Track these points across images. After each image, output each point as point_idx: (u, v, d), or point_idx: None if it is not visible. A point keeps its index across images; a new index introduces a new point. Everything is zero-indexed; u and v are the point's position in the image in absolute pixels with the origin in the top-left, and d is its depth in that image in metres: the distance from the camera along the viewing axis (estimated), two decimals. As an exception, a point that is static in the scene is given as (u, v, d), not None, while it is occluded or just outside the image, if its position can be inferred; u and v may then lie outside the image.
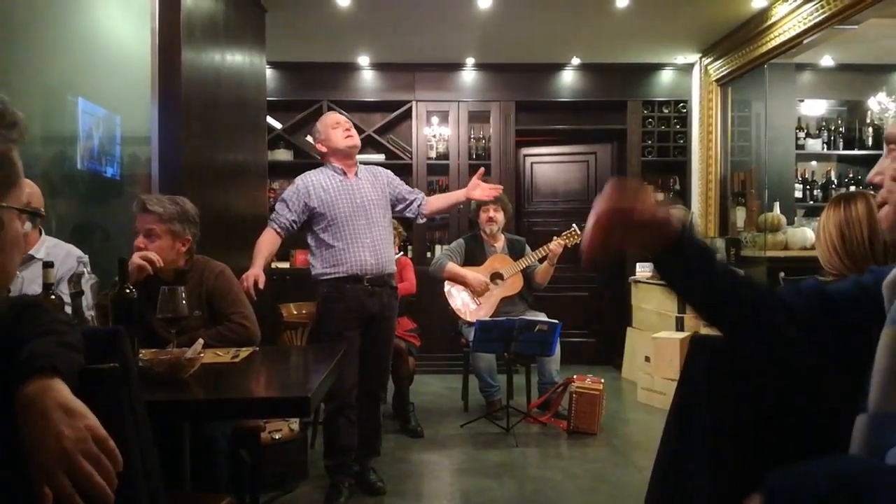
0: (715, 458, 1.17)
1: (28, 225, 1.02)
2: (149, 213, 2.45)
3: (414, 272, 4.61)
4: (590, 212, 1.15)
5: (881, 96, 5.38)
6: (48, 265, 1.81)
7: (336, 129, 3.30)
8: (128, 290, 1.89)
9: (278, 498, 3.19)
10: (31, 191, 2.24)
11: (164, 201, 2.49)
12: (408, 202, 3.46)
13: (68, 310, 2.02)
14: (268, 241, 3.24)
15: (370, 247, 3.23)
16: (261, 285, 3.10)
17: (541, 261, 4.64)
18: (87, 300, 2.08)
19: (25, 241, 1.03)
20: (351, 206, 3.24)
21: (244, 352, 2.26)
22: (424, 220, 3.59)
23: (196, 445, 2.06)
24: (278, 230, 3.26)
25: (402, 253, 4.62)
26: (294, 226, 3.27)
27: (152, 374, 1.82)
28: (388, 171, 3.52)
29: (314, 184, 3.27)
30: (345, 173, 3.30)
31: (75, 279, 2.05)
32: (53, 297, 1.86)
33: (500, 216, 4.74)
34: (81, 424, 0.95)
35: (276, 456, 3.25)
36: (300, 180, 3.32)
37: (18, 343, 1.01)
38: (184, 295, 2.07)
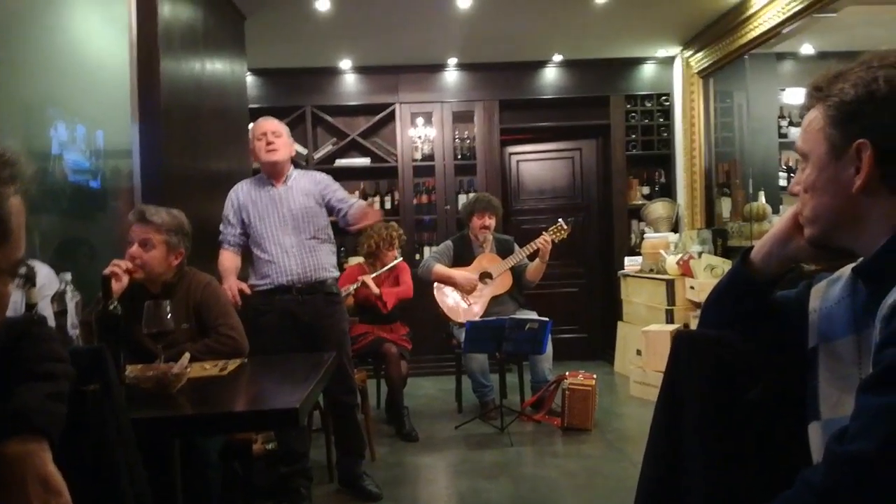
0: (704, 451, 1.18)
1: (17, 282, 0.97)
2: (146, 223, 2.45)
3: (411, 276, 4.59)
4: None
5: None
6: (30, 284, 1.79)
7: (260, 140, 3.23)
8: (111, 307, 1.88)
9: (273, 508, 3.17)
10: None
11: (161, 212, 2.50)
12: (336, 210, 3.30)
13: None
14: (227, 260, 3.23)
15: (296, 256, 3.18)
16: (246, 291, 3.11)
17: (530, 258, 4.65)
18: (72, 318, 2.07)
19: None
20: (277, 216, 3.20)
21: (232, 364, 2.25)
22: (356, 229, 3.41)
23: (187, 459, 2.05)
24: (229, 248, 3.24)
25: (400, 257, 4.59)
26: (242, 239, 3.25)
27: (140, 391, 1.81)
28: (327, 178, 3.39)
29: (243, 194, 3.26)
30: (272, 183, 3.26)
31: (58, 297, 2.04)
32: (36, 316, 1.85)
33: (493, 222, 4.75)
34: (54, 503, 0.93)
35: (269, 467, 3.23)
36: (232, 192, 3.30)
37: (8, 379, 0.99)
38: (169, 308, 2.06)
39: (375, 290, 4.29)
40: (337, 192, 3.34)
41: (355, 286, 4.30)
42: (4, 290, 0.93)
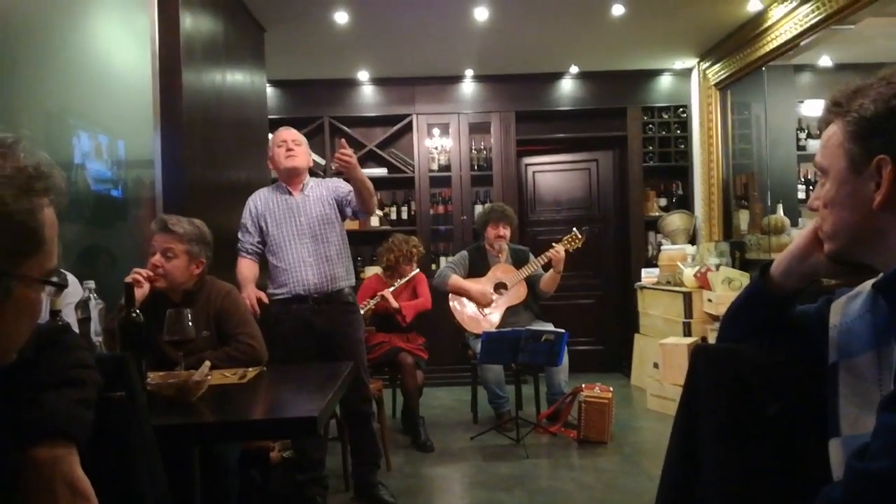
0: (722, 466, 1.17)
1: (50, 290, 0.99)
2: (169, 233, 2.48)
3: (429, 287, 4.61)
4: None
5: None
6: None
7: (280, 147, 3.28)
8: (134, 314, 1.90)
9: (290, 516, 3.18)
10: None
11: (183, 222, 2.53)
12: (347, 202, 3.29)
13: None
14: (246, 268, 3.25)
15: (313, 265, 3.20)
16: (265, 300, 3.13)
17: (545, 268, 4.64)
18: (95, 325, 2.10)
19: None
20: (295, 225, 3.23)
21: (252, 372, 2.28)
22: (365, 216, 3.41)
23: (205, 466, 2.07)
24: (248, 256, 3.27)
25: (418, 269, 4.61)
26: (260, 247, 3.28)
27: (160, 398, 1.83)
28: (336, 179, 3.43)
29: (262, 202, 3.29)
30: (290, 192, 3.29)
31: (82, 304, 2.07)
32: (61, 322, 1.87)
33: (508, 232, 4.75)
34: None
35: (286, 475, 3.25)
36: (250, 201, 3.33)
37: (37, 385, 1.01)
38: (190, 316, 2.09)
39: (395, 304, 4.31)
40: (343, 186, 3.35)
41: (375, 300, 4.32)
42: (37, 298, 0.95)
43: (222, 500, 2.16)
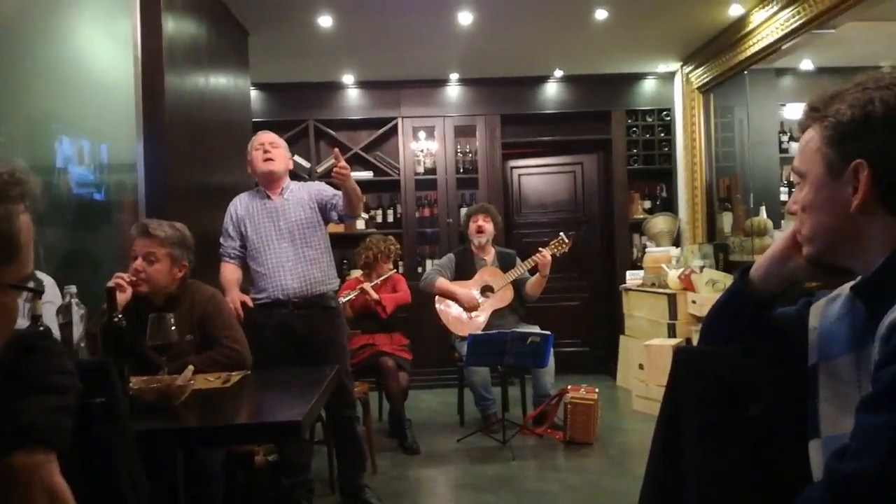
0: (703, 467, 1.18)
1: (26, 296, 0.99)
2: (150, 237, 2.47)
3: (407, 284, 4.63)
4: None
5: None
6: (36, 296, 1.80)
7: (258, 151, 3.26)
8: (116, 319, 1.89)
9: (275, 521, 3.17)
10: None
11: (164, 226, 2.51)
12: (332, 206, 3.27)
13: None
14: (229, 272, 3.23)
15: (291, 270, 3.17)
16: (249, 304, 3.12)
17: (531, 272, 4.65)
18: (76, 330, 2.08)
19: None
20: (274, 230, 3.21)
21: (235, 376, 2.27)
22: (351, 220, 3.46)
23: (189, 470, 2.06)
24: (231, 261, 3.25)
25: (395, 269, 4.63)
26: (242, 251, 3.26)
27: (143, 402, 1.82)
28: (319, 183, 3.45)
29: (242, 207, 3.28)
30: (269, 196, 3.27)
31: (63, 309, 2.05)
32: (42, 328, 1.86)
33: (489, 226, 4.75)
34: None
35: (271, 479, 3.23)
36: (231, 206, 3.32)
37: (17, 391, 1.00)
38: (173, 320, 2.07)
39: (374, 295, 4.33)
40: (327, 190, 3.35)
41: (354, 293, 4.35)
42: (13, 304, 0.95)
43: (206, 503, 2.15)
